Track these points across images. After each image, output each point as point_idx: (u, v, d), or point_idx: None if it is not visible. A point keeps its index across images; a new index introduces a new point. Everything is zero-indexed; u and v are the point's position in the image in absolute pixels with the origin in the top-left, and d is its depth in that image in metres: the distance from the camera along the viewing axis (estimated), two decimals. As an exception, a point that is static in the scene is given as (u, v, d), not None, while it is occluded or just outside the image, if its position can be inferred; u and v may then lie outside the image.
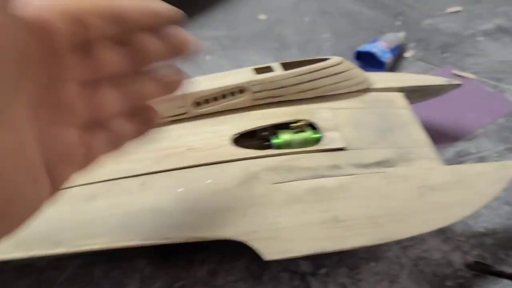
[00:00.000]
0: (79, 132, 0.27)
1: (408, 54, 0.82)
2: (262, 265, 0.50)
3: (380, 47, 0.76)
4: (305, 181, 0.46)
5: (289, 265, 0.50)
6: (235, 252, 0.51)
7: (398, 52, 0.80)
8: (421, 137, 0.53)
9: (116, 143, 0.31)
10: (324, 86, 0.56)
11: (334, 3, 0.99)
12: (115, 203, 0.45)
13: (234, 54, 0.84)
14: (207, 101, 0.54)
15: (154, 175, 0.48)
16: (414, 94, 0.61)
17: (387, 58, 0.75)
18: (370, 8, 0.97)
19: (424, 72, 0.78)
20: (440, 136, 0.65)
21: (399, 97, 0.59)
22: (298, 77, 0.55)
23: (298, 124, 0.51)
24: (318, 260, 0.50)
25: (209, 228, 0.43)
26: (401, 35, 0.82)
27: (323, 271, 0.49)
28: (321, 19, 0.94)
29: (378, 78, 0.61)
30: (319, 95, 0.56)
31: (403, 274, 0.49)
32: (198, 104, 0.54)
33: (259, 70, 0.57)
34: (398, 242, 0.52)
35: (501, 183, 0.47)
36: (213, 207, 0.44)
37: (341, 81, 0.57)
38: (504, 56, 0.82)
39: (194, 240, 0.43)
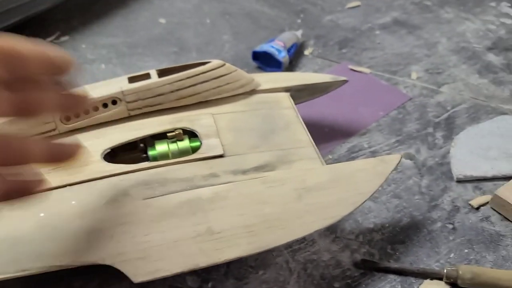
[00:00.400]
0: None
1: (307, 51, 0.82)
2: (145, 285, 0.47)
3: (276, 47, 0.75)
4: (179, 194, 0.44)
5: (174, 282, 0.47)
6: (118, 275, 0.48)
7: (295, 50, 0.79)
8: (303, 137, 0.52)
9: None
10: (205, 91, 0.54)
11: (235, 3, 0.98)
12: None
13: (130, 61, 0.81)
14: (77, 115, 0.50)
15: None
16: (301, 93, 0.60)
17: (283, 57, 0.75)
18: (271, 7, 0.97)
19: (322, 69, 0.78)
20: (334, 133, 0.65)
21: (284, 97, 0.58)
22: (176, 83, 0.52)
23: (175, 133, 0.49)
24: (205, 274, 0.48)
25: (74, 254, 0.40)
26: (298, 33, 0.82)
27: (210, 285, 0.47)
28: (222, 20, 0.92)
29: (266, 79, 0.60)
30: (201, 100, 0.54)
31: (292, 279, 0.47)
32: (67, 118, 0.50)
33: (133, 79, 0.54)
34: (288, 246, 0.50)
35: (380, 178, 0.47)
36: (78, 231, 0.41)
37: (223, 85, 0.55)
38: (399, 48, 0.84)
39: (56, 269, 0.39)
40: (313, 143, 0.51)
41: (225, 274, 0.48)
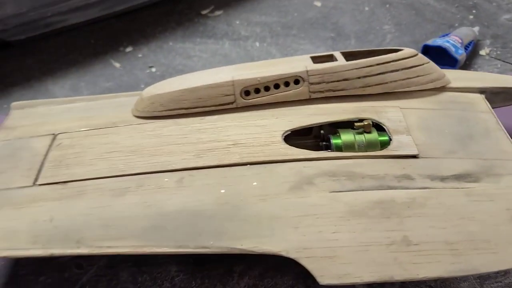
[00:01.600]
0: None
1: (483, 51, 0.73)
2: (309, 285, 0.43)
3: (452, 42, 0.67)
4: (370, 192, 0.39)
5: None
6: (280, 266, 0.44)
7: (472, 48, 0.70)
8: (509, 148, 0.44)
9: None
10: (393, 81, 0.48)
11: (397, -8, 0.90)
12: (147, 201, 0.39)
13: (285, 42, 0.77)
14: (257, 90, 0.47)
15: (193, 171, 0.42)
16: (497, 97, 0.52)
17: (460, 54, 0.66)
18: (438, 0, 0.88)
19: (501, 72, 0.68)
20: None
21: (480, 100, 0.50)
22: (364, 69, 0.47)
23: (363, 123, 0.44)
24: (376, 286, 0.43)
25: (254, 240, 0.37)
26: (475, 29, 0.73)
27: (381, 296, 0.42)
28: (382, 9, 0.85)
29: (455, 76, 0.53)
30: (388, 91, 0.48)
31: (479, 310, 0.41)
32: (247, 93, 0.47)
33: (317, 59, 0.50)
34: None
35: None
36: (260, 215, 0.38)
37: (414, 77, 0.49)
38: None
39: (235, 252, 0.37)
40: (521, 157, 0.44)
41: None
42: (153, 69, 0.72)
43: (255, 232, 0.37)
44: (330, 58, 0.50)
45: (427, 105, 0.48)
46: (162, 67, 0.73)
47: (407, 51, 0.49)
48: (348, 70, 0.47)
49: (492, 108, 0.53)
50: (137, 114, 0.49)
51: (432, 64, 0.50)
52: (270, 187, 0.40)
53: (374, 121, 0.45)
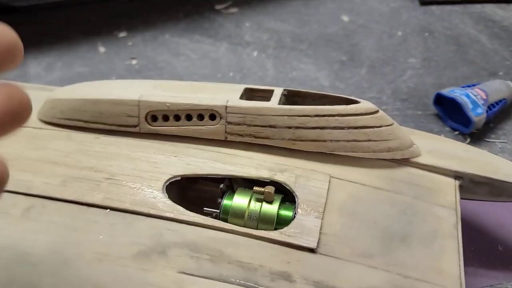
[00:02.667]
0: None
1: (518, 115, 0.58)
2: None
3: (473, 97, 0.53)
4: (226, 286, 0.30)
5: None
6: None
7: (500, 109, 0.56)
8: (450, 268, 0.32)
9: None
10: (334, 140, 0.38)
11: (444, 19, 0.76)
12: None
13: (286, 57, 0.67)
14: (165, 117, 0.39)
15: (48, 201, 0.35)
16: (478, 187, 0.39)
17: (478, 114, 0.53)
18: (492, 37, 0.72)
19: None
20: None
21: (449, 187, 0.38)
22: (298, 118, 0.37)
23: (263, 189, 0.34)
24: None
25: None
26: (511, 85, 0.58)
27: None
28: (417, 37, 0.72)
29: (430, 146, 0.41)
30: (323, 151, 0.38)
31: None
32: (154, 118, 0.40)
33: (251, 93, 0.41)
34: None
35: None
36: (85, 279, 0.31)
37: (363, 140, 0.38)
38: None
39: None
40: (463, 284, 0.32)
41: None
42: (134, 62, 0.67)
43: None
44: (269, 94, 0.40)
45: (370, 181, 0.37)
46: (144, 61, 0.67)
47: (364, 105, 0.38)
48: (277, 115, 0.37)
49: (469, 199, 0.41)
50: (40, 117, 0.43)
51: (394, 128, 0.38)
52: (115, 246, 0.32)
53: (287, 188, 0.36)
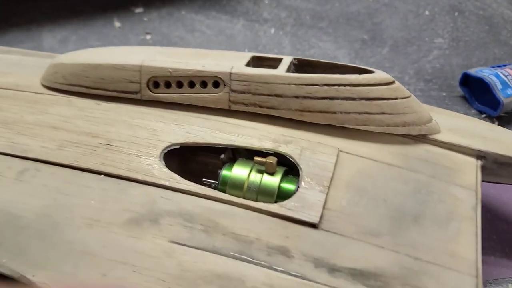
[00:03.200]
0: None
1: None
2: None
3: (503, 78, 0.49)
4: (219, 258, 0.28)
5: None
6: None
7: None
8: (466, 251, 0.29)
9: None
10: (344, 112, 0.35)
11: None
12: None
13: (305, 34, 0.65)
14: (168, 84, 0.38)
15: (43, 165, 0.34)
16: (502, 169, 0.36)
17: (507, 96, 0.49)
18: (526, 17, 0.67)
19: None
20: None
21: (470, 167, 0.35)
22: (306, 87, 0.35)
23: (265, 160, 0.32)
24: None
25: (51, 273, 0.28)
26: (548, 67, 0.53)
27: None
28: (446, 17, 0.68)
29: (452, 124, 0.38)
30: (333, 123, 0.35)
31: None
32: (156, 85, 0.38)
33: (259, 61, 0.38)
34: None
35: None
36: (74, 244, 0.29)
37: (376, 113, 0.35)
38: None
39: (23, 281, 0.29)
40: (479, 270, 0.29)
41: None
42: (148, 37, 0.65)
43: (57, 264, 0.28)
44: (277, 63, 0.38)
45: (382, 156, 0.34)
46: (158, 36, 0.65)
47: (377, 75, 0.35)
48: (284, 83, 0.35)
49: (492, 182, 0.37)
50: (42, 82, 0.42)
51: (411, 100, 0.35)
52: (106, 212, 0.31)
53: (290, 159, 0.33)
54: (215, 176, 0.34)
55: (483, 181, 0.35)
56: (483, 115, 0.52)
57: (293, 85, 0.35)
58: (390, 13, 0.69)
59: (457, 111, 0.52)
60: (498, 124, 0.50)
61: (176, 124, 0.36)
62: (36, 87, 0.41)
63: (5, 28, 0.67)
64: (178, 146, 0.35)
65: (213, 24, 0.67)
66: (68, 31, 0.67)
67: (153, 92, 0.38)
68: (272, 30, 0.65)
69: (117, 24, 0.68)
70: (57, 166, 0.34)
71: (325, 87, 0.35)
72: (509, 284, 0.37)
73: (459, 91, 0.54)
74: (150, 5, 0.72)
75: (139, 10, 0.71)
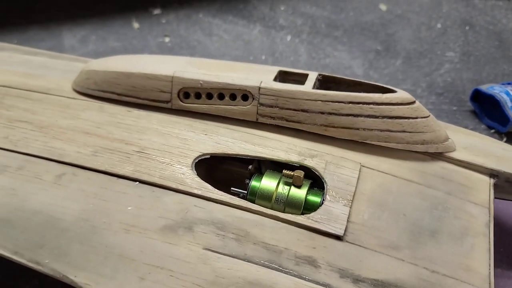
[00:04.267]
0: None
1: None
2: None
3: (513, 94, 0.51)
4: (250, 266, 0.30)
5: None
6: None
7: (541, 109, 0.54)
8: (479, 266, 0.31)
9: None
10: (367, 129, 0.37)
11: (486, 14, 0.73)
12: (15, 189, 0.34)
13: (320, 43, 0.66)
14: (198, 95, 0.39)
15: (79, 170, 0.36)
16: (513, 187, 0.38)
17: (516, 113, 0.51)
18: (536, 34, 0.69)
19: None
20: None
21: (483, 185, 0.37)
22: (332, 104, 0.37)
23: (293, 173, 0.34)
24: None
25: (92, 276, 0.30)
26: (556, 85, 0.55)
27: None
28: (457, 31, 0.69)
29: (465, 142, 0.40)
30: (355, 139, 0.37)
31: None
32: (186, 95, 0.40)
33: (285, 76, 0.40)
34: None
35: None
36: (113, 248, 0.31)
37: (397, 131, 0.37)
38: None
39: (65, 281, 0.30)
40: (492, 284, 0.31)
41: None
42: (167, 39, 0.67)
43: (97, 267, 0.30)
44: (303, 78, 0.39)
45: (401, 173, 0.36)
46: (177, 39, 0.67)
47: (400, 95, 0.37)
48: (311, 99, 0.37)
49: (503, 198, 0.39)
50: (74, 87, 0.43)
51: (430, 120, 0.37)
52: (143, 218, 0.32)
53: (316, 174, 0.35)
54: (240, 184, 0.36)
55: (494, 197, 0.37)
56: (492, 131, 0.54)
57: (319, 102, 0.37)
58: (403, 25, 0.71)
59: (466, 126, 0.54)
60: (507, 140, 0.52)
61: (205, 134, 0.38)
62: (67, 92, 0.43)
63: (25, 26, 0.68)
64: (208, 156, 0.36)
65: (230, 28, 0.69)
66: (88, 31, 0.68)
67: (183, 102, 0.40)
68: (289, 38, 0.67)
69: (136, 25, 0.70)
70: (93, 172, 0.35)
71: (350, 104, 0.36)
72: (515, 296, 0.39)
73: (469, 105, 0.56)
74: (168, 7, 0.73)
75: (157, 11, 0.73)
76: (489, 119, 0.54)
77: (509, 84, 0.55)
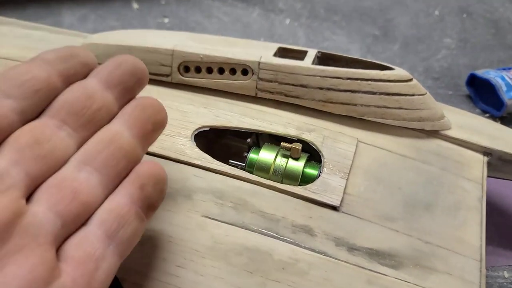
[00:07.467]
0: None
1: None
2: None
3: (508, 80, 0.52)
4: (248, 233, 0.31)
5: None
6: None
7: (536, 94, 0.55)
8: (471, 238, 0.32)
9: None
10: (364, 105, 0.37)
11: (483, 2, 0.74)
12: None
13: (319, 27, 0.67)
14: (198, 69, 0.40)
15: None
16: (507, 166, 0.39)
17: (511, 98, 0.51)
18: (532, 22, 0.70)
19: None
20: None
21: (477, 163, 0.38)
22: (330, 79, 0.37)
23: (291, 146, 0.35)
24: None
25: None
26: (552, 71, 0.56)
27: None
28: (454, 18, 0.70)
29: (459, 121, 0.40)
30: (353, 115, 0.38)
31: None
32: (186, 69, 0.40)
33: (284, 52, 0.41)
34: None
35: None
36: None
37: (394, 107, 0.37)
38: None
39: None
40: (483, 255, 0.32)
41: None
42: (166, 20, 0.67)
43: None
44: (302, 55, 0.40)
45: (397, 148, 0.37)
46: (176, 20, 0.67)
47: (397, 72, 0.37)
48: (310, 75, 0.37)
49: (495, 177, 0.40)
50: (74, 60, 0.43)
51: (427, 98, 0.38)
52: (142, 186, 0.33)
53: (312, 146, 0.36)
54: (239, 158, 0.36)
55: (487, 176, 0.38)
56: (487, 115, 0.55)
57: (318, 77, 0.37)
58: (401, 11, 0.71)
59: (462, 109, 0.55)
60: (501, 124, 0.53)
61: (205, 108, 0.38)
62: (68, 65, 0.43)
63: (24, 4, 0.68)
64: (208, 128, 0.37)
65: (229, 11, 0.69)
66: (87, 10, 0.68)
67: (183, 76, 0.40)
68: (287, 21, 0.67)
69: (135, 5, 0.70)
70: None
71: (348, 80, 0.37)
72: (505, 272, 0.40)
73: (464, 90, 0.56)
74: (167, -12, 0.73)
75: (156, -8, 0.73)
76: (484, 104, 0.55)
77: (504, 69, 0.55)
